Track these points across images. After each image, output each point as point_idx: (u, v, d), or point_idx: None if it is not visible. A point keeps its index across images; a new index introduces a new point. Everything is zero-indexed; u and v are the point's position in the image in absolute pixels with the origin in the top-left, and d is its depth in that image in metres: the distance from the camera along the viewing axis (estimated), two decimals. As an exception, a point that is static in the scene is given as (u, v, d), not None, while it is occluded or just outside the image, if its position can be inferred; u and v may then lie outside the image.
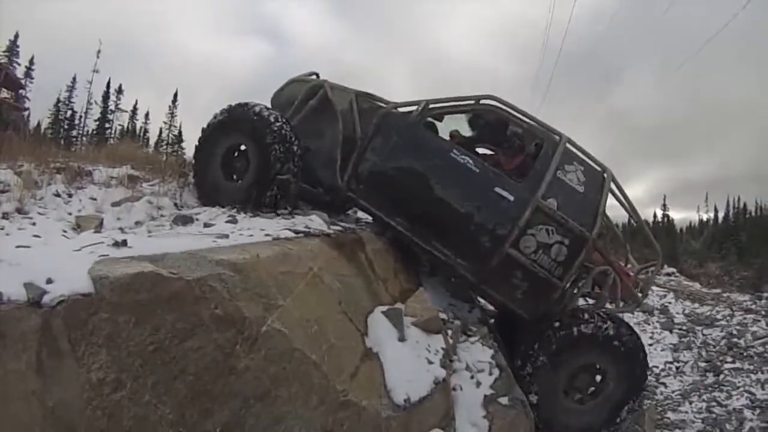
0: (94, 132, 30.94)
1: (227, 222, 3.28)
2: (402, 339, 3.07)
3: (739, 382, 7.18)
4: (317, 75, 4.70)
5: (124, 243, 2.41)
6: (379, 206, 3.99)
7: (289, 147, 3.70)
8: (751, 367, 7.60)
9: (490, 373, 3.50)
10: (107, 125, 32.61)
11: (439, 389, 3.00)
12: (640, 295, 4.41)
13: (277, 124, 3.72)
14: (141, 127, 34.22)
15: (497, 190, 3.79)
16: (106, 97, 32.87)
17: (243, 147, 3.85)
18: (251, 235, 2.93)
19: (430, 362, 3.08)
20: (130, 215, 3.54)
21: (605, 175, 4.07)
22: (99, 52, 30.90)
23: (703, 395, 6.96)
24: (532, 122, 4.09)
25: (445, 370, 3.12)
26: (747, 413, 6.11)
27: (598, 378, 3.97)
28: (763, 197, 37.50)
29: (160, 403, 2.04)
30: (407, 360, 3.00)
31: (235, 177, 3.85)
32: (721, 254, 28.16)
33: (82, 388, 1.92)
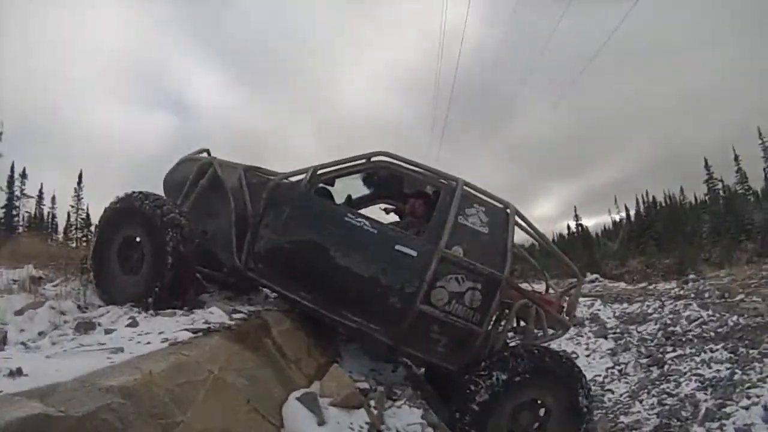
0: (1, 221, 28.99)
1: (128, 326, 3.10)
2: (321, 423, 2.85)
3: (684, 367, 7.47)
4: (208, 152, 4.53)
5: (20, 372, 2.17)
6: (281, 284, 3.81)
7: (182, 234, 3.55)
8: (693, 351, 7.93)
9: (424, 434, 3.37)
10: (14, 213, 30.50)
11: (373, 468, 2.80)
12: (566, 318, 4.42)
13: (166, 209, 3.57)
14: (48, 212, 32.45)
15: (398, 248, 3.69)
16: (11, 182, 30.53)
17: (138, 238, 3.69)
18: (148, 343, 2.72)
19: (356, 441, 2.88)
20: (34, 324, 3.28)
21: (508, 211, 4.07)
22: (0, 134, 29.36)
23: (651, 391, 7.11)
24: (426, 172, 4.05)
25: (373, 445, 2.92)
26: (699, 395, 6.31)
27: (542, 411, 3.87)
28: (669, 187, 40.03)
29: None
30: (331, 445, 2.79)
31: (132, 270, 3.67)
32: (640, 249, 29.71)
33: None
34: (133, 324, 3.13)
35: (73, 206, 32.36)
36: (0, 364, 2.34)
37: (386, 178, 4.46)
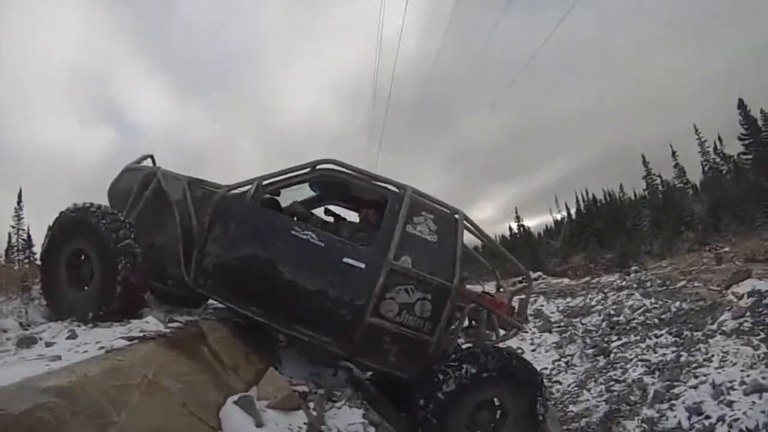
0: (-59, 246, 27.27)
1: (68, 338, 3.12)
2: (259, 425, 2.87)
3: (630, 354, 7.58)
4: (152, 158, 4.39)
5: (-40, 383, 2.14)
6: (231, 299, 3.75)
7: (135, 263, 3.45)
8: (638, 338, 8.09)
9: (366, 433, 3.43)
10: (-44, 236, 28.93)
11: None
12: (517, 320, 4.47)
13: (122, 234, 3.47)
14: (-11, 235, 30.76)
15: (346, 260, 3.67)
16: (-50, 204, 29.24)
17: (86, 251, 3.55)
18: (85, 351, 2.74)
19: (296, 441, 2.92)
20: (-24, 345, 3.28)
21: (456, 217, 4.10)
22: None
23: (599, 379, 7.21)
24: (372, 180, 4.03)
25: (313, 444, 2.97)
26: (647, 379, 6.43)
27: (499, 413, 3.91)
28: (608, 185, 40.94)
29: None
30: (270, 447, 2.82)
31: (80, 285, 3.56)
32: (582, 245, 30.44)
33: None
34: (73, 336, 3.12)
35: (13, 227, 30.95)
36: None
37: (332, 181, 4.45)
